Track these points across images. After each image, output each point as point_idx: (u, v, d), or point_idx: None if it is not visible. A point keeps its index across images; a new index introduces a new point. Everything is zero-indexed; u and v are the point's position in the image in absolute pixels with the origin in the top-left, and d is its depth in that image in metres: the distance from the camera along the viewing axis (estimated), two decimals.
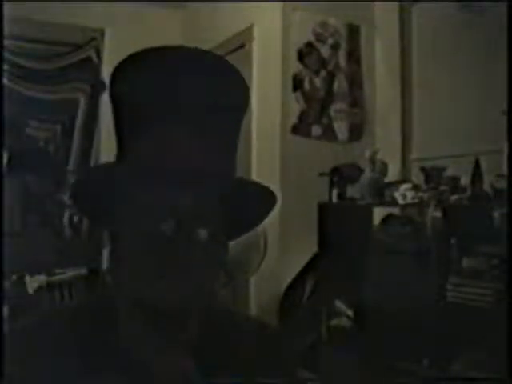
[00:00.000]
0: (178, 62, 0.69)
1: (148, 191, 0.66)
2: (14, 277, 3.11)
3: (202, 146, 0.67)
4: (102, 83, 3.68)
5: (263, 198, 0.73)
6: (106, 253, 3.20)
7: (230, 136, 0.73)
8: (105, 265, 3.21)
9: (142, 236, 0.66)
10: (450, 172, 2.26)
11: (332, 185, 2.60)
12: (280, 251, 2.74)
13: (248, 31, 3.12)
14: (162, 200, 0.65)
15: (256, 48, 3.08)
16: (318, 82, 2.97)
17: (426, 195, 2.18)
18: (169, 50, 0.70)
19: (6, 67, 3.37)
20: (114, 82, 0.71)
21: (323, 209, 2.54)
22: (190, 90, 0.67)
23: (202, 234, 0.66)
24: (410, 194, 2.22)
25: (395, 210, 2.46)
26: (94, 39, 3.71)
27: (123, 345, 0.70)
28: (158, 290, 0.65)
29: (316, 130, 2.95)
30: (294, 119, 2.90)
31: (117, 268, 0.71)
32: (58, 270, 3.24)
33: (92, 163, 3.70)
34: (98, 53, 3.70)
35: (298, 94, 2.92)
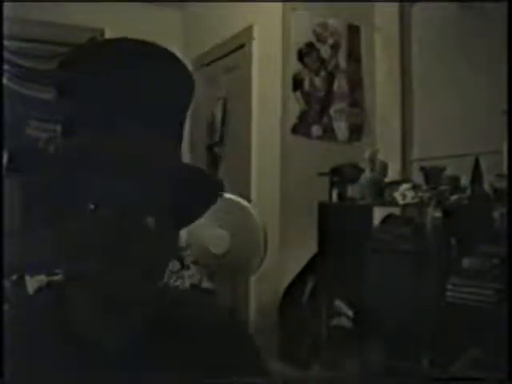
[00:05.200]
0: (116, 51, 0.72)
1: (83, 178, 0.67)
2: (14, 277, 3.11)
3: (141, 133, 0.68)
4: None
5: (209, 185, 0.75)
6: None
7: (172, 122, 0.74)
8: None
9: (84, 223, 0.67)
10: (449, 172, 2.26)
11: (332, 185, 2.60)
12: (280, 251, 2.74)
13: (248, 31, 3.12)
14: (98, 186, 0.67)
15: (256, 48, 3.08)
16: (317, 81, 2.97)
17: (426, 195, 2.18)
18: (109, 42, 0.73)
19: (5, 67, 3.37)
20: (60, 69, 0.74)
21: (323, 209, 2.54)
22: (125, 78, 0.69)
23: (148, 221, 0.67)
24: (409, 194, 2.22)
25: (395, 210, 2.46)
26: (94, 39, 3.71)
27: (72, 327, 0.71)
28: (102, 275, 0.66)
29: (316, 130, 2.95)
30: (293, 119, 2.90)
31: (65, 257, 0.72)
32: (58, 270, 3.23)
33: None
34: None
35: (298, 94, 2.92)
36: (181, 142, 0.76)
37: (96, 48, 0.73)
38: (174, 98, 0.73)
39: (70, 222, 0.68)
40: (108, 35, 3.68)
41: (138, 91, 0.69)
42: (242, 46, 3.19)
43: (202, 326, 0.79)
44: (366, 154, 2.51)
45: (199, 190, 0.74)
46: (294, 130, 2.90)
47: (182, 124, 0.76)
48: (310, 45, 2.95)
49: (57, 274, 3.33)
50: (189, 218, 0.79)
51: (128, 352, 0.71)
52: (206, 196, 0.77)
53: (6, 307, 0.80)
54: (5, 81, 3.34)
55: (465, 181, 2.19)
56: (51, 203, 0.72)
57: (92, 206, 0.66)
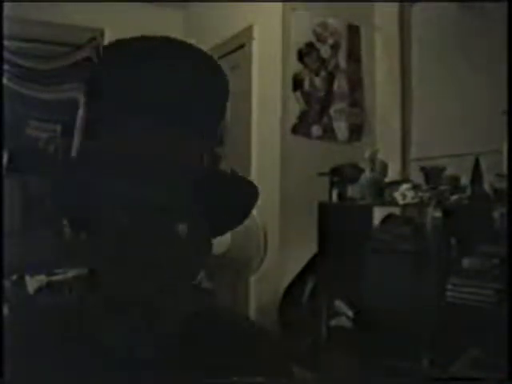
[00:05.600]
0: (145, 50, 0.68)
1: (109, 183, 0.64)
2: (14, 277, 3.11)
3: (170, 136, 0.66)
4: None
5: (245, 191, 0.72)
6: None
7: (205, 125, 0.71)
8: None
9: (109, 230, 0.65)
10: (449, 172, 2.26)
11: (332, 185, 2.60)
12: (280, 251, 2.74)
13: (248, 31, 3.12)
14: (128, 190, 0.64)
15: (256, 48, 3.08)
16: (317, 81, 2.97)
17: (426, 195, 2.18)
18: (137, 40, 0.69)
19: (5, 67, 3.37)
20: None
21: (323, 209, 2.54)
22: (155, 78, 0.66)
23: (180, 228, 0.65)
24: (409, 194, 2.22)
25: (395, 210, 2.46)
26: (94, 39, 3.71)
27: (95, 336, 0.69)
28: (133, 285, 0.65)
29: (316, 130, 2.95)
30: (293, 119, 2.90)
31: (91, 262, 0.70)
32: (57, 270, 3.23)
33: None
34: (98, 53, 3.70)
35: (298, 94, 2.92)
36: (218, 146, 0.73)
37: (128, 46, 0.69)
38: (210, 99, 0.71)
39: (102, 228, 0.66)
40: (108, 35, 3.69)
41: (174, 92, 0.66)
42: (242, 46, 3.18)
43: (233, 334, 0.78)
44: (366, 154, 2.51)
45: (234, 198, 0.71)
46: (294, 130, 2.90)
47: (219, 127, 0.73)
48: (309, 45, 2.95)
49: (57, 274, 3.33)
50: (224, 227, 0.75)
51: (154, 361, 0.69)
52: (242, 204, 0.74)
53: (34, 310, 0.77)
54: (5, 81, 3.34)
55: (465, 181, 2.19)
56: (82, 208, 0.69)
57: (121, 212, 0.64)
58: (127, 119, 0.66)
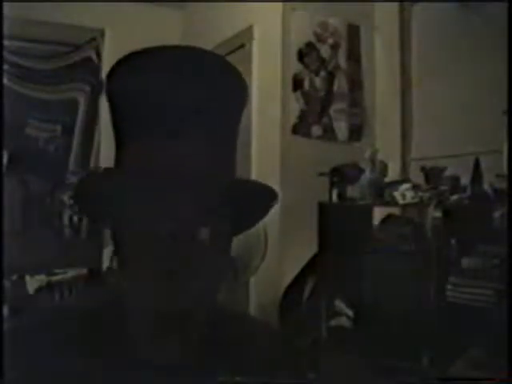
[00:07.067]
0: (170, 62, 0.68)
1: (144, 193, 0.65)
2: (14, 277, 3.11)
3: (196, 147, 0.66)
4: (102, 83, 3.68)
5: (264, 196, 0.72)
6: (106, 253, 3.19)
7: (227, 136, 0.72)
8: (105, 265, 3.20)
9: (142, 238, 0.65)
10: (449, 172, 2.26)
11: (332, 185, 2.60)
12: (280, 251, 2.74)
13: (248, 31, 3.12)
14: (158, 201, 0.65)
15: (256, 48, 3.08)
16: (318, 81, 2.97)
17: (425, 195, 2.18)
18: (161, 50, 0.69)
19: (5, 67, 3.37)
20: (108, 81, 0.71)
21: (323, 209, 2.54)
22: (182, 90, 0.66)
23: (203, 233, 0.66)
24: (409, 194, 2.22)
25: (395, 210, 2.46)
26: (94, 39, 3.71)
27: (125, 344, 0.70)
28: (159, 291, 0.65)
29: (316, 130, 2.95)
30: (294, 119, 2.90)
31: (119, 269, 0.70)
32: (57, 270, 3.24)
33: (92, 163, 3.69)
34: (98, 53, 3.70)
35: (298, 94, 2.92)
36: (234, 154, 0.73)
37: (151, 57, 0.69)
38: (229, 109, 0.71)
39: (133, 239, 0.66)
40: (108, 35, 3.69)
41: (193, 103, 0.67)
42: (242, 46, 3.19)
43: (257, 340, 0.79)
44: (366, 154, 2.51)
45: (252, 203, 0.72)
46: (294, 129, 2.90)
47: (235, 135, 0.73)
48: (309, 45, 2.95)
49: (57, 274, 3.32)
50: (239, 230, 0.76)
51: (180, 369, 0.69)
52: (259, 208, 0.74)
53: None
54: (5, 81, 3.34)
55: (465, 181, 2.19)
56: (116, 220, 0.70)
57: (150, 220, 0.65)
58: (151, 129, 0.67)
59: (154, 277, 0.65)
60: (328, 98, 2.99)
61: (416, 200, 2.20)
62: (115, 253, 0.71)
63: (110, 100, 0.72)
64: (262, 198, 0.72)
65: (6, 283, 2.97)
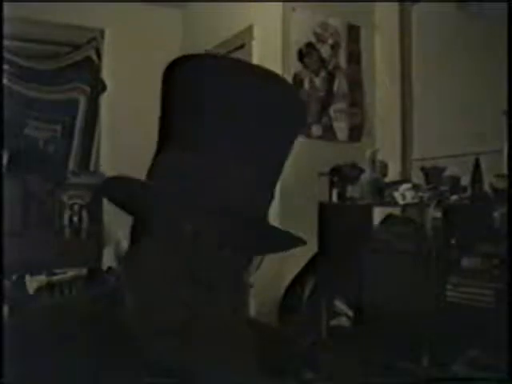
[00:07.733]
0: (234, 74, 0.68)
1: (172, 206, 0.66)
2: (14, 277, 3.11)
3: (246, 174, 0.67)
4: (102, 83, 3.68)
5: (289, 244, 0.76)
6: (106, 253, 3.19)
7: (275, 166, 0.75)
8: (105, 265, 3.20)
9: (162, 242, 0.66)
10: (449, 172, 2.26)
11: (332, 185, 2.60)
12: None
13: (248, 31, 3.12)
14: (188, 208, 0.65)
15: (256, 48, 3.08)
16: (317, 81, 2.97)
17: (425, 195, 2.18)
18: (225, 60, 0.70)
19: (5, 67, 3.37)
20: (165, 82, 0.70)
21: (323, 209, 2.54)
22: (241, 110, 0.66)
23: (225, 250, 0.67)
24: (409, 194, 2.22)
25: (395, 210, 2.46)
26: (94, 39, 3.71)
27: (125, 344, 0.69)
28: (169, 300, 0.65)
29: (316, 129, 2.95)
30: None
31: (133, 270, 0.70)
32: (57, 270, 3.23)
33: (92, 163, 3.69)
34: (98, 53, 3.70)
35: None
36: (274, 189, 0.75)
37: (213, 65, 0.69)
38: (286, 138, 0.73)
39: (154, 243, 0.67)
40: (108, 35, 3.69)
41: (252, 129, 0.67)
42: (242, 46, 3.19)
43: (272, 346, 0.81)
44: (366, 154, 2.51)
45: (278, 247, 0.75)
46: None
47: (282, 164, 0.75)
48: (309, 45, 2.95)
49: (57, 274, 3.32)
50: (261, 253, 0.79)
51: (180, 369, 0.69)
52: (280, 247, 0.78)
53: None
54: (5, 81, 3.34)
55: (465, 181, 2.19)
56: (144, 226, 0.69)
57: (184, 229, 0.65)
58: (211, 138, 0.66)
59: (178, 288, 0.65)
60: (328, 98, 2.99)
61: (416, 200, 2.20)
62: (131, 253, 0.71)
63: (162, 98, 0.71)
64: (288, 246, 0.76)
65: (6, 283, 2.96)
